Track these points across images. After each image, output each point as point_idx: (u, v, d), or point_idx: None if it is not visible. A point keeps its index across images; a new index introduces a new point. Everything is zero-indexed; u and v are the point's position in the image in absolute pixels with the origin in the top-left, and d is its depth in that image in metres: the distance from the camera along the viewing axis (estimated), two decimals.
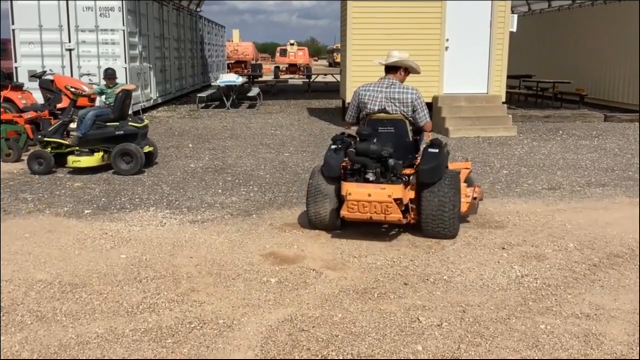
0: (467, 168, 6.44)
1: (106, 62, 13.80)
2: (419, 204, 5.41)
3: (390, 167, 5.28)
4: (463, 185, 5.95)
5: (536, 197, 7.09)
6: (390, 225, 5.75)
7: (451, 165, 6.82)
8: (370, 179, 5.27)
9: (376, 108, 5.65)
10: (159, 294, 4.25)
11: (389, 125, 5.63)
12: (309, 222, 5.77)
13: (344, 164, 5.54)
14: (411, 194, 5.48)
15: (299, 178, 8.12)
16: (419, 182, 5.41)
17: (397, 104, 5.59)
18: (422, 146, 5.66)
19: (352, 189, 5.19)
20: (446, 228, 5.35)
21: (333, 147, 5.63)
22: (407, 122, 5.65)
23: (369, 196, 5.12)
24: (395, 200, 5.12)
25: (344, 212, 5.29)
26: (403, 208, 5.27)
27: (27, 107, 11.19)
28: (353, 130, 6.06)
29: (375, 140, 5.41)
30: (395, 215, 5.17)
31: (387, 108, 5.61)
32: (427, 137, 5.78)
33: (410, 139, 5.70)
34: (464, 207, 5.80)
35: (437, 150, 5.44)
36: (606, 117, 14.45)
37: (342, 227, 5.67)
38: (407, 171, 5.53)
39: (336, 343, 3.55)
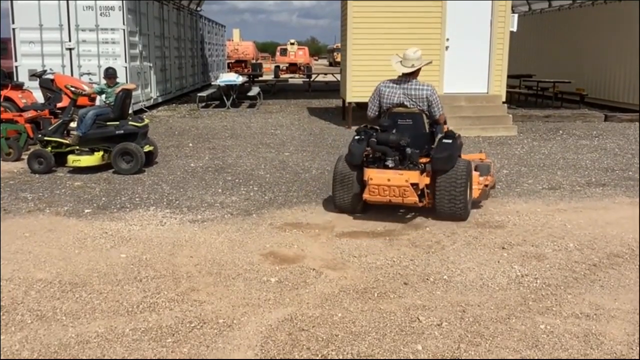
0: (481, 159, 7.06)
1: (106, 62, 13.81)
2: (434, 187, 5.91)
3: (407, 155, 5.84)
4: (476, 173, 6.49)
5: (536, 197, 7.09)
6: (407, 209, 6.23)
7: (467, 157, 7.28)
8: (390, 165, 5.84)
9: (395, 102, 6.15)
10: (159, 293, 4.26)
11: (407, 118, 6.14)
12: (334, 205, 6.30)
13: (366, 152, 6.03)
14: (427, 180, 5.98)
15: (299, 178, 8.12)
16: (434, 169, 5.92)
17: (414, 99, 6.11)
18: (439, 137, 6.16)
19: (374, 175, 5.75)
20: (458, 205, 5.80)
21: (357, 137, 6.15)
22: (423, 115, 6.15)
23: (389, 181, 5.68)
24: (412, 185, 5.66)
25: (366, 195, 5.82)
26: (419, 192, 5.79)
27: (28, 106, 11.18)
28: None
29: (394, 131, 5.94)
30: (412, 198, 5.70)
31: (405, 103, 6.13)
32: (445, 128, 6.28)
33: (427, 131, 6.18)
34: (475, 193, 6.33)
35: (450, 141, 5.97)
36: (606, 117, 14.45)
37: (364, 210, 6.19)
38: (424, 160, 6.01)
39: (336, 343, 3.55)
